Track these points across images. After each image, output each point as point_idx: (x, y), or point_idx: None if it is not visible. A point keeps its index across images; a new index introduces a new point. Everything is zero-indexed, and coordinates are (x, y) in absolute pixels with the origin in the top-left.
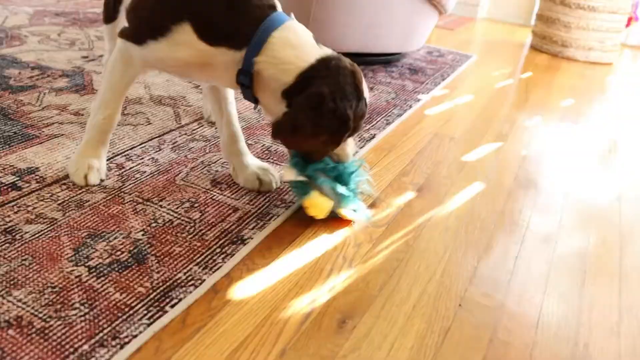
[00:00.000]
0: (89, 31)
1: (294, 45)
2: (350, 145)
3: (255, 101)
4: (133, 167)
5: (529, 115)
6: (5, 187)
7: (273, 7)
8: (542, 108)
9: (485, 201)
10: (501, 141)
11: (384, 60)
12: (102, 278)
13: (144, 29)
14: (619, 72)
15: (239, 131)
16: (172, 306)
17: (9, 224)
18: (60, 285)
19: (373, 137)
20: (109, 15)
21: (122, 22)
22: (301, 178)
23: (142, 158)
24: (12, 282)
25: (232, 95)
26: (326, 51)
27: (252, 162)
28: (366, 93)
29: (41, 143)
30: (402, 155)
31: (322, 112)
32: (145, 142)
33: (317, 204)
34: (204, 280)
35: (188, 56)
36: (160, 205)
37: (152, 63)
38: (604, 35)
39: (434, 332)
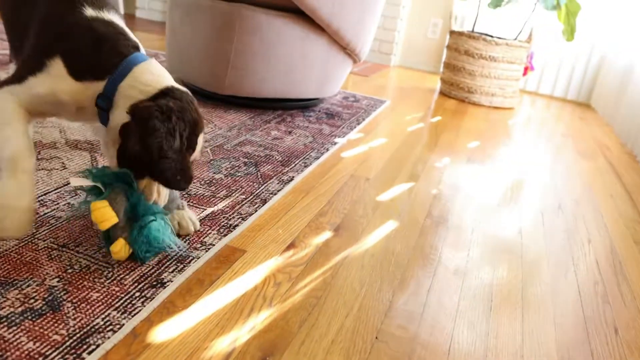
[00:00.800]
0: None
1: (154, 73)
2: (162, 190)
3: (106, 123)
4: (48, 212)
5: (439, 157)
6: None
7: (136, 48)
8: (451, 150)
9: (400, 238)
10: (413, 181)
11: (302, 105)
12: (14, 327)
13: (25, 68)
14: (520, 116)
15: None
16: (90, 352)
17: None
18: None
19: (291, 179)
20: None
21: None
22: (90, 183)
23: (58, 203)
24: None
25: None
26: (180, 87)
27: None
28: (200, 140)
29: None
30: (320, 196)
31: (147, 125)
32: (60, 187)
33: (103, 210)
34: (123, 324)
35: (60, 90)
36: (77, 251)
37: (32, 101)
38: (505, 82)
39: None
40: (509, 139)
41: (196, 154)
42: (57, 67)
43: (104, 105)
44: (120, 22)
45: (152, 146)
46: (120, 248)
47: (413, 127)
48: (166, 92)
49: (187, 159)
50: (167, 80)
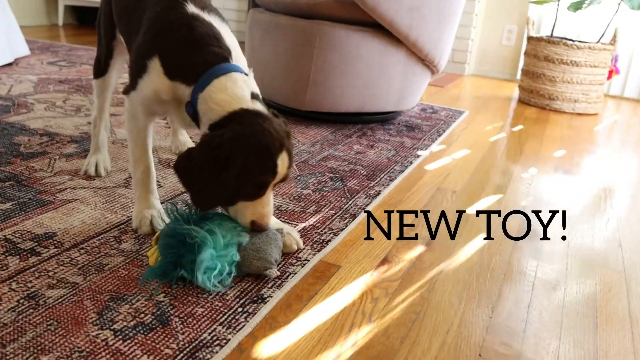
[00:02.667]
0: (92, 96)
1: (228, 92)
2: (254, 209)
3: (198, 126)
4: None
5: (525, 167)
6: (24, 253)
7: (226, 59)
8: (536, 159)
9: (493, 252)
10: (501, 193)
11: (381, 118)
12: (128, 341)
13: (135, 74)
14: (605, 122)
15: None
16: None
17: (32, 290)
18: (88, 350)
19: (378, 193)
20: (100, 70)
21: (113, 76)
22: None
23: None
24: (39, 348)
25: None
26: (255, 105)
27: (273, 222)
28: (281, 161)
29: (56, 208)
30: (409, 209)
31: (216, 156)
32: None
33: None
34: (229, 339)
35: (159, 89)
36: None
37: (145, 103)
38: (588, 87)
39: None
40: (596, 146)
41: (280, 176)
42: (155, 67)
43: (189, 112)
44: (219, 24)
45: (193, 185)
46: (150, 254)
47: (495, 137)
48: (233, 117)
49: (233, 191)
50: (238, 101)
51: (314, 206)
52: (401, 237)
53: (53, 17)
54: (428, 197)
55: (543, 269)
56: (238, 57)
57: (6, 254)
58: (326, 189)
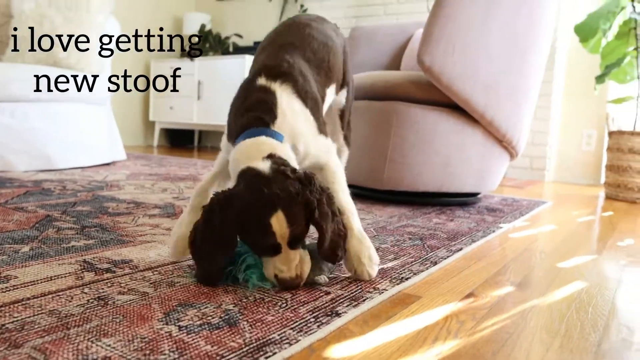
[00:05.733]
0: (179, 184)
1: (244, 153)
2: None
3: None
4: None
5: (620, 238)
6: (100, 270)
7: (265, 124)
8: (633, 233)
9: (593, 293)
10: (596, 254)
11: (461, 201)
12: (193, 334)
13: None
14: None
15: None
16: (267, 358)
17: (102, 294)
18: (150, 337)
19: (460, 249)
20: None
21: None
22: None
23: None
24: (102, 332)
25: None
26: (259, 164)
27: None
28: (277, 222)
29: (135, 245)
30: (495, 262)
31: (211, 218)
32: None
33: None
34: (299, 340)
35: (223, 148)
36: (249, 287)
37: (220, 162)
38: None
39: None
40: None
41: (282, 235)
42: (225, 131)
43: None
44: (286, 93)
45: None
46: None
47: (583, 219)
48: (240, 176)
49: (218, 257)
50: (248, 160)
51: (392, 255)
52: (487, 279)
53: (149, 139)
54: (515, 254)
55: None
56: (284, 125)
57: (83, 270)
58: (405, 245)
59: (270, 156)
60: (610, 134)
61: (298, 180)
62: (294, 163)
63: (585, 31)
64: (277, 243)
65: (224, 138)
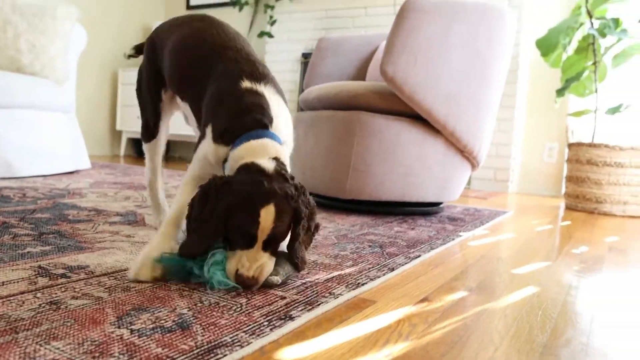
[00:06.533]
0: (142, 192)
1: (251, 152)
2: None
3: None
4: None
5: (575, 246)
6: (55, 276)
7: (265, 126)
8: (588, 242)
9: (544, 298)
10: (550, 261)
11: (423, 211)
12: (145, 337)
13: (198, 139)
14: None
15: None
16: None
17: (55, 299)
18: (101, 340)
19: (418, 256)
20: (150, 134)
21: (162, 138)
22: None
23: None
24: (51, 336)
25: None
26: (265, 163)
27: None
28: (265, 213)
29: (93, 252)
30: (451, 268)
31: (205, 194)
32: None
33: None
34: (251, 342)
35: (207, 153)
36: (206, 292)
37: (199, 165)
38: (637, 189)
39: None
40: None
41: (265, 229)
42: (209, 133)
43: (225, 170)
44: (272, 95)
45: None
46: None
47: (542, 228)
48: (241, 168)
49: (208, 229)
50: (253, 157)
51: (351, 262)
52: (443, 285)
53: (116, 148)
54: (472, 260)
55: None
56: (280, 126)
57: (37, 276)
58: (364, 252)
59: (276, 158)
60: (570, 146)
61: (294, 187)
62: (289, 167)
63: (546, 46)
64: (256, 234)
65: (208, 143)
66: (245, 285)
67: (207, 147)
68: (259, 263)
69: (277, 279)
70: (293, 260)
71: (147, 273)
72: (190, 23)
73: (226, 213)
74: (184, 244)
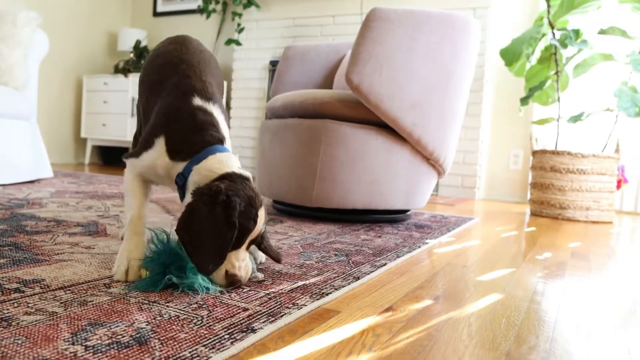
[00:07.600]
0: (106, 202)
1: (222, 163)
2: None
3: (182, 197)
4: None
5: (538, 252)
6: (7, 290)
7: (221, 142)
8: (551, 247)
9: (508, 305)
10: (515, 267)
11: (390, 219)
12: (99, 354)
13: (141, 146)
14: (621, 228)
15: None
16: None
17: (6, 315)
18: (52, 358)
19: (384, 264)
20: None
21: None
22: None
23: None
24: (0, 356)
25: None
26: (243, 172)
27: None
28: (261, 213)
29: (50, 264)
30: (416, 276)
31: (216, 201)
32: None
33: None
34: (210, 357)
35: (157, 165)
36: (167, 305)
37: (142, 172)
38: (598, 195)
39: None
40: (613, 242)
41: (259, 226)
42: (160, 146)
43: (179, 182)
44: (219, 114)
45: (191, 229)
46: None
47: (506, 234)
48: (224, 177)
49: (226, 243)
50: (229, 168)
51: (316, 271)
52: (407, 294)
53: (80, 156)
54: (437, 268)
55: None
56: (228, 144)
57: None
58: (330, 261)
59: (241, 168)
60: (534, 153)
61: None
62: None
63: (510, 55)
64: (249, 234)
65: (158, 154)
66: (239, 282)
67: (158, 160)
68: (245, 262)
69: (261, 275)
70: (274, 253)
71: (135, 274)
72: (167, 44)
73: (238, 217)
74: (203, 261)
